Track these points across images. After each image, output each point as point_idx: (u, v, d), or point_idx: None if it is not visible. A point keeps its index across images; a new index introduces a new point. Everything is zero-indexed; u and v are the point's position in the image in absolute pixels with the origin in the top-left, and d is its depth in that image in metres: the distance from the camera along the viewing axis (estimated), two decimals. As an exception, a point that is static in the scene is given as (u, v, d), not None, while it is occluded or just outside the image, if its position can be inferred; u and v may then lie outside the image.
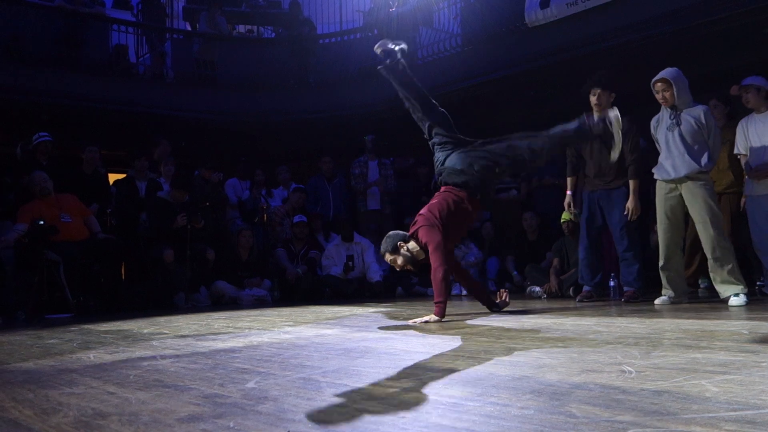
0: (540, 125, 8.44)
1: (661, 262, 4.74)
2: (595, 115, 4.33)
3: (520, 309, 4.61)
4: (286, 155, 9.76)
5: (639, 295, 5.13)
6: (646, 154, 5.30)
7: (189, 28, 11.27)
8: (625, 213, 5.12)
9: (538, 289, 6.41)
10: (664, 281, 4.75)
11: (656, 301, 4.72)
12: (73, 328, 4.07)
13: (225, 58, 10.09)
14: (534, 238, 7.24)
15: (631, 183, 5.14)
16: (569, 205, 5.49)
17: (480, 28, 8.66)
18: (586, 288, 5.45)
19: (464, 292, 7.03)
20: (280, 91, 9.96)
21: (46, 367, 2.30)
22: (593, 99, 5.19)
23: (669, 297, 4.68)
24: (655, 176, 4.77)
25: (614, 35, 7.02)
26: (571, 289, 6.08)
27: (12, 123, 7.76)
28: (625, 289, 5.22)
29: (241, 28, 11.93)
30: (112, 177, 7.94)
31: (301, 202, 8.14)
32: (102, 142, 7.66)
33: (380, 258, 7.52)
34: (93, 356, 2.56)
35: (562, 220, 6.38)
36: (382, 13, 10.07)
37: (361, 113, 9.54)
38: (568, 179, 5.56)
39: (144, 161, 7.40)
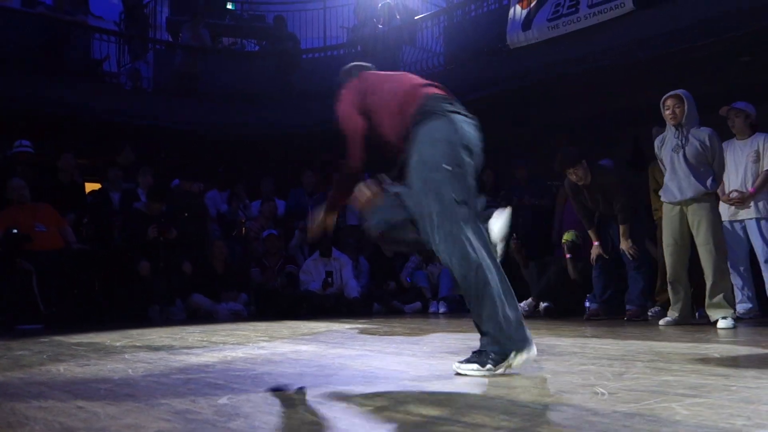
0: (521, 144, 8.56)
1: (669, 279, 4.75)
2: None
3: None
4: (269, 168, 9.73)
5: (640, 314, 5.22)
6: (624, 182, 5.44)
7: (171, 40, 11.23)
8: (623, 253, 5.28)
9: (522, 304, 6.43)
10: (673, 299, 4.75)
11: (660, 322, 4.76)
12: (43, 340, 4.00)
13: (207, 69, 10.07)
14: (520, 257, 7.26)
15: (621, 228, 5.28)
16: (599, 256, 5.55)
17: (462, 47, 8.75)
18: (593, 305, 5.57)
19: (442, 310, 7.03)
20: (263, 104, 9.95)
21: (15, 379, 2.26)
22: (573, 178, 5.41)
23: (673, 318, 4.69)
24: (662, 198, 4.79)
25: (593, 58, 7.13)
26: (542, 306, 6.11)
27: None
28: (628, 307, 5.29)
29: (226, 41, 11.92)
30: (89, 186, 7.85)
31: (272, 214, 8.09)
32: (80, 151, 7.59)
33: (358, 274, 7.56)
34: (63, 369, 2.52)
35: (563, 240, 6.41)
36: (367, 30, 10.13)
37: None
38: (590, 232, 5.65)
39: (117, 171, 7.32)
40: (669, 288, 4.78)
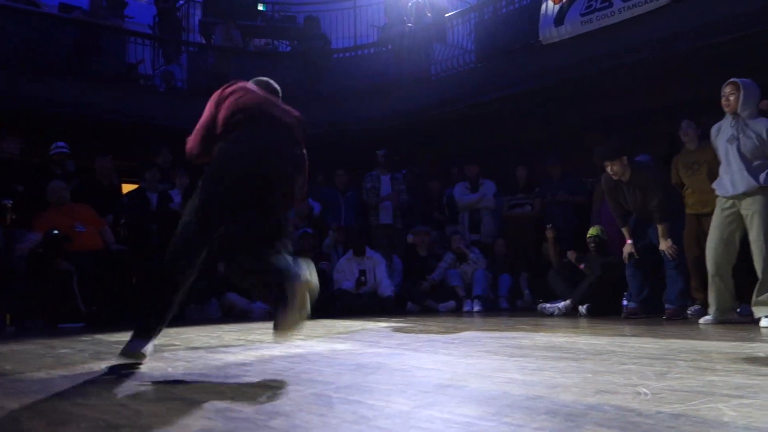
0: (554, 141, 8.46)
1: (711, 271, 4.64)
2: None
3: (533, 327, 4.57)
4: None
5: (679, 313, 5.14)
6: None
7: (204, 42, 11.37)
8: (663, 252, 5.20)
9: (548, 305, 6.36)
10: (711, 295, 4.65)
11: (700, 320, 4.67)
12: (84, 338, 4.08)
13: (239, 71, 10.15)
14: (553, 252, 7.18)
15: (659, 228, 5.20)
16: (631, 255, 5.48)
17: (493, 44, 8.69)
18: (632, 304, 5.49)
19: (476, 308, 7.00)
20: (293, 105, 9.97)
21: (59, 377, 2.31)
22: (610, 171, 5.36)
23: (714, 317, 4.60)
24: (717, 192, 4.68)
25: (627, 53, 7.02)
26: (584, 307, 6.04)
27: (31, 133, 7.82)
28: (667, 306, 5.22)
29: (259, 42, 12.01)
30: (127, 188, 7.98)
31: (305, 213, 8.14)
32: (116, 153, 7.71)
33: (391, 273, 7.55)
34: (105, 367, 2.57)
35: (588, 236, 6.35)
36: (397, 29, 10.12)
37: (373, 127, 9.57)
38: (623, 230, 5.57)
39: (155, 172, 7.44)
40: (710, 284, 4.65)
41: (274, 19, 12.02)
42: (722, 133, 4.62)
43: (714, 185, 4.71)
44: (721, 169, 4.63)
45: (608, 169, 5.36)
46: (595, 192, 7.32)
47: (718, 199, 4.67)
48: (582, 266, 6.33)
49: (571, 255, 6.55)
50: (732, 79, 4.55)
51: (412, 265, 7.75)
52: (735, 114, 4.52)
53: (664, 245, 5.17)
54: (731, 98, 4.51)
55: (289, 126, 2.89)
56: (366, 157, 8.66)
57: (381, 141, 8.81)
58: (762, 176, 4.39)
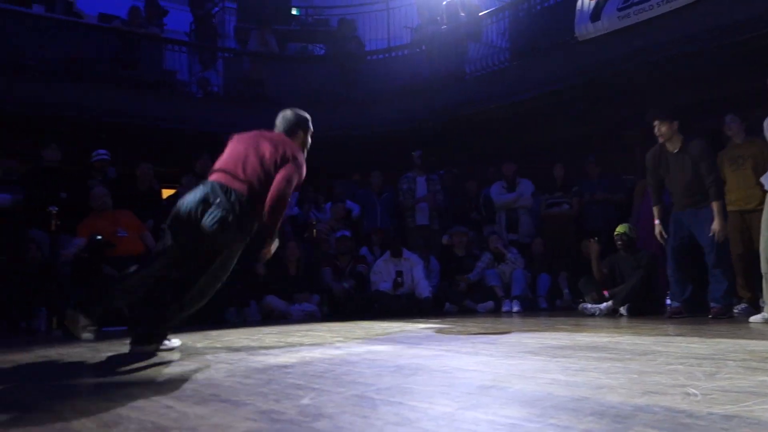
0: (592, 139, 8.34)
1: (763, 269, 4.54)
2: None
3: (573, 326, 4.51)
4: (335, 171, 9.83)
5: (725, 312, 5.01)
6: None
7: (239, 47, 11.51)
8: (711, 234, 5.03)
9: (590, 306, 6.27)
10: (766, 295, 4.56)
11: (751, 319, 4.56)
12: (128, 341, 4.15)
13: (274, 75, 10.26)
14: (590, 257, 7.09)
15: (714, 205, 5.04)
16: (660, 234, 5.40)
17: (528, 42, 8.61)
18: (675, 304, 5.36)
19: (515, 309, 6.94)
20: (329, 108, 10.06)
21: (105, 380, 2.35)
22: (656, 132, 5.26)
23: (764, 316, 4.50)
24: (765, 186, 4.61)
25: (667, 47, 6.88)
26: (624, 307, 5.94)
27: (72, 141, 8.02)
28: (712, 305, 5.09)
29: (294, 47, 12.13)
30: (166, 193, 8.12)
31: (342, 215, 8.17)
32: (156, 159, 7.85)
33: (428, 274, 7.54)
34: (149, 369, 2.61)
35: (615, 233, 6.24)
36: (430, 30, 10.10)
37: (408, 128, 9.56)
38: (655, 208, 5.49)
39: (192, 178, 7.55)
40: (765, 282, 4.54)
41: (308, 23, 12.11)
42: None
43: (762, 179, 4.61)
44: None
45: (656, 130, 5.24)
46: (635, 190, 7.20)
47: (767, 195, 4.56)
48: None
49: (592, 246, 6.45)
50: None
51: (449, 266, 7.72)
52: None
53: (718, 224, 4.98)
54: None
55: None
56: (401, 158, 8.66)
57: (416, 142, 8.80)
58: None
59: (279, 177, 3.34)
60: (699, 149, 5.12)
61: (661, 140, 5.26)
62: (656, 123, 5.23)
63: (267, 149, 3.49)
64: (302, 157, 3.54)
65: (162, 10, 10.49)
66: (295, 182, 3.41)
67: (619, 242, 6.22)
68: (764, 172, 4.69)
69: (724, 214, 5.34)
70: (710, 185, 5.04)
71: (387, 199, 8.57)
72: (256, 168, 3.41)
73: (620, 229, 6.22)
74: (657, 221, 5.42)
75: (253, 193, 3.33)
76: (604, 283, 6.25)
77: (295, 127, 3.78)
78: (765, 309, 4.55)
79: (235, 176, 3.40)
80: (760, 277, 4.68)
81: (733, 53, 6.58)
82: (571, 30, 7.77)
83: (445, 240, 7.91)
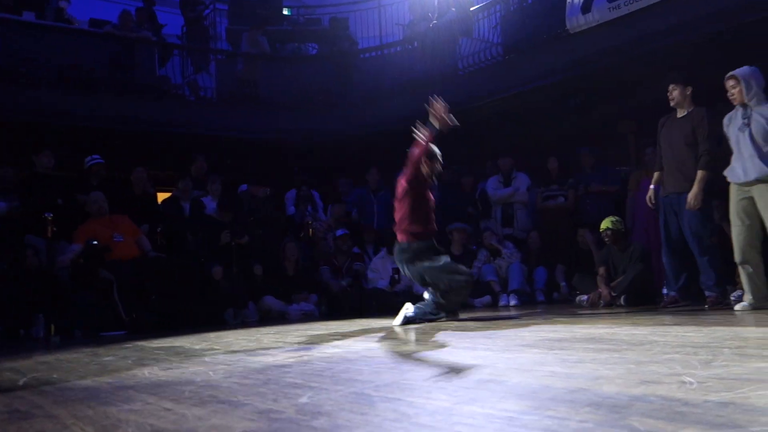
0: (586, 131, 8.36)
1: (737, 259, 4.60)
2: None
3: (571, 318, 4.52)
4: (332, 170, 9.83)
5: (721, 300, 5.02)
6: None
7: (231, 49, 11.48)
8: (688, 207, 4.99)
9: (586, 298, 6.29)
10: (744, 282, 4.61)
11: (736, 307, 4.59)
12: (127, 345, 4.16)
13: (267, 76, 10.25)
14: (586, 248, 7.11)
15: (698, 173, 4.95)
16: (650, 199, 5.38)
17: (520, 36, 8.61)
18: (671, 293, 5.35)
19: (512, 303, 6.95)
20: (323, 107, 10.06)
21: (104, 384, 2.35)
22: (669, 97, 5.23)
23: (749, 303, 4.53)
24: (729, 179, 4.65)
25: (659, 37, 6.88)
26: (622, 298, 5.95)
27: (66, 147, 8.01)
28: (707, 294, 5.10)
29: (291, 47, 12.11)
30: (162, 196, 8.12)
31: (342, 215, 8.18)
32: (151, 163, 7.85)
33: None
34: (148, 373, 2.61)
35: (601, 228, 6.23)
36: (422, 26, 10.09)
37: (403, 125, 9.54)
38: (656, 173, 5.42)
39: (188, 181, 7.55)
40: (740, 272, 4.62)
41: (300, 22, 12.09)
42: (733, 123, 4.64)
43: (726, 173, 4.67)
44: (733, 158, 4.63)
45: (669, 94, 5.22)
46: (630, 181, 7.22)
47: (732, 186, 4.65)
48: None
49: (582, 234, 6.44)
50: (730, 73, 4.58)
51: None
52: (743, 104, 4.55)
53: (694, 192, 4.90)
54: (734, 91, 4.56)
55: None
56: (398, 156, 8.65)
57: (412, 139, 8.78)
58: None
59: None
60: (700, 114, 5.08)
61: (672, 104, 5.21)
62: (670, 87, 5.20)
63: None
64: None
65: (152, 12, 10.47)
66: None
67: (606, 238, 6.22)
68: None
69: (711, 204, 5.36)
70: (702, 153, 4.97)
71: (383, 197, 8.57)
72: None
73: (604, 224, 6.20)
74: (652, 186, 5.38)
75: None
76: (604, 279, 6.23)
77: None
78: (745, 297, 4.60)
79: None
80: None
81: (727, 40, 6.58)
82: (563, 23, 7.77)
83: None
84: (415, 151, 4.67)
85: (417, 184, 4.80)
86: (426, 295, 4.92)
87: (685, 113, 5.18)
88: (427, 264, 4.72)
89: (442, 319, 4.73)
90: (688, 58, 7.05)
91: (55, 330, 5.54)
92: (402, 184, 4.85)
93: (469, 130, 9.51)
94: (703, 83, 5.28)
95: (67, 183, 7.09)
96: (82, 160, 7.19)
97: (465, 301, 4.87)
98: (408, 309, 4.72)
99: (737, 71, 4.58)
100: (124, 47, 9.35)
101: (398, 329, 4.38)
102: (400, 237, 4.85)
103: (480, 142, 9.68)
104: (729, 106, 4.76)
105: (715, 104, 5.73)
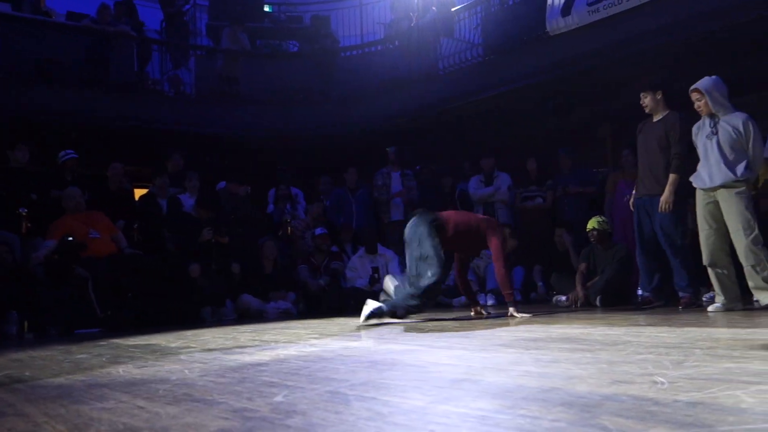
0: (565, 133, 8.43)
1: (705, 261, 4.69)
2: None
3: (547, 319, 4.56)
4: (311, 168, 9.82)
5: (694, 301, 5.11)
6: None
7: (212, 45, 11.41)
8: (661, 209, 5.08)
9: (563, 298, 6.34)
10: (714, 284, 4.69)
11: (709, 309, 4.66)
12: (102, 343, 4.11)
13: (248, 73, 10.20)
14: (564, 249, 7.17)
15: (669, 176, 5.07)
16: (631, 204, 5.47)
17: (501, 37, 8.66)
18: (646, 294, 5.43)
19: (490, 302, 6.99)
20: (303, 105, 10.03)
21: (77, 382, 2.33)
22: (642, 103, 5.34)
23: (722, 304, 4.61)
24: (694, 184, 4.75)
25: (638, 41, 6.97)
26: (597, 298, 6.01)
27: (41, 142, 7.90)
28: (680, 294, 5.18)
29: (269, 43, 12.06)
30: (139, 192, 8.05)
31: (321, 213, 8.17)
32: (128, 159, 7.77)
33: (404, 270, 7.54)
34: (122, 371, 2.59)
35: (588, 228, 6.31)
36: (404, 25, 10.11)
37: (384, 125, 9.57)
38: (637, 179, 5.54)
39: (165, 178, 7.49)
40: (710, 273, 4.70)
41: (281, 19, 12.05)
42: (702, 131, 4.74)
43: (691, 179, 4.77)
44: (700, 164, 4.73)
45: (641, 101, 5.33)
46: (607, 183, 7.29)
47: (698, 192, 4.74)
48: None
49: (559, 234, 6.49)
50: (693, 86, 4.69)
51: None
52: (711, 114, 4.66)
53: (666, 195, 5.02)
54: (700, 104, 4.67)
55: None
56: (377, 154, 8.67)
57: (392, 138, 8.81)
58: (739, 169, 4.49)
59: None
60: (672, 119, 5.20)
61: (647, 111, 5.33)
62: (641, 95, 5.32)
63: None
64: None
65: (132, 6, 10.36)
66: None
67: (592, 238, 6.29)
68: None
69: (685, 205, 5.44)
70: (673, 157, 5.09)
71: (362, 195, 8.57)
72: None
73: (591, 224, 6.27)
74: (634, 192, 5.48)
75: None
76: (582, 277, 6.29)
77: None
78: (717, 299, 4.69)
79: None
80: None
81: (699, 46, 6.69)
82: (543, 25, 7.83)
83: None
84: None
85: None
86: (390, 288, 4.91)
87: (660, 118, 5.27)
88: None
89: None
90: (666, 62, 7.15)
91: (29, 327, 5.48)
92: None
93: (448, 130, 9.59)
94: (682, 87, 5.35)
95: (42, 178, 6.99)
96: (56, 156, 7.10)
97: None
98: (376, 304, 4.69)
99: (699, 84, 4.68)
100: (101, 41, 9.25)
101: (371, 325, 4.40)
102: None
103: (459, 143, 9.73)
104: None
105: (692, 108, 5.83)
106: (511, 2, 8.96)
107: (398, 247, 7.76)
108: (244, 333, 4.44)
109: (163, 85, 10.22)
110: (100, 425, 1.54)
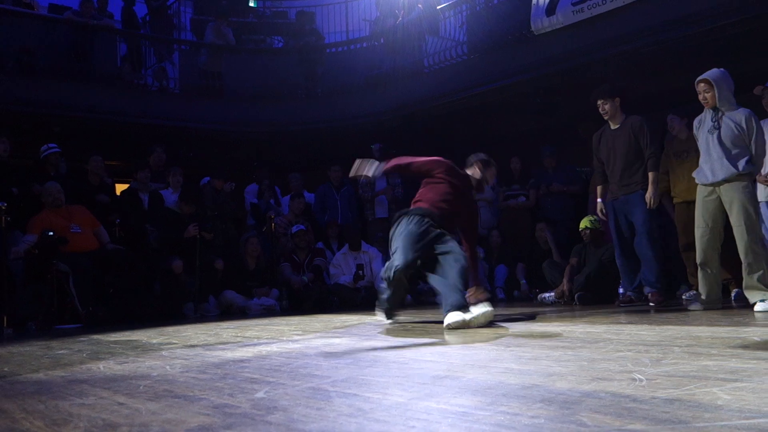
0: (548, 131, 8.47)
1: (698, 260, 4.70)
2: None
3: (529, 316, 4.59)
4: (295, 165, 9.79)
5: (665, 299, 5.15)
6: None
7: (196, 40, 11.33)
8: (647, 206, 5.15)
9: (547, 296, 6.38)
10: (700, 283, 4.71)
11: (690, 307, 4.71)
12: (82, 339, 4.08)
13: (232, 68, 10.15)
14: (547, 248, 7.21)
15: (650, 175, 5.17)
16: (602, 211, 5.54)
17: (486, 36, 8.68)
18: (628, 292, 5.47)
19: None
20: (288, 101, 10.00)
21: (57, 378, 2.31)
22: (601, 111, 5.41)
23: (703, 304, 4.65)
24: (696, 180, 4.74)
25: (621, 41, 7.02)
26: (576, 296, 6.06)
27: (22, 135, 7.81)
28: (647, 290, 5.23)
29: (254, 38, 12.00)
30: (120, 188, 7.98)
31: (301, 209, 8.15)
32: (111, 154, 7.70)
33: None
34: (103, 367, 2.57)
35: (581, 228, 6.36)
36: (389, 23, 10.10)
37: (368, 122, 9.56)
38: (598, 188, 5.63)
39: (146, 173, 7.43)
40: (699, 271, 4.72)
41: (266, 15, 12.01)
42: (703, 126, 4.71)
43: (694, 174, 4.77)
44: (701, 159, 4.70)
45: (600, 108, 5.40)
46: (591, 182, 7.34)
47: (699, 188, 4.73)
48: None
49: (540, 228, 6.55)
50: (703, 76, 4.62)
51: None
52: (714, 108, 4.61)
53: (650, 193, 5.12)
54: (707, 95, 4.60)
55: None
56: (362, 152, 8.65)
57: (376, 135, 8.81)
58: (741, 163, 4.47)
59: None
60: (639, 123, 5.28)
61: (605, 118, 5.41)
62: (599, 102, 5.39)
63: None
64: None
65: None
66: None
67: (585, 237, 6.35)
68: None
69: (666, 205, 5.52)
70: (649, 156, 5.19)
71: (346, 193, 8.56)
72: None
73: (583, 223, 6.34)
74: (599, 200, 5.57)
75: None
76: (571, 271, 6.35)
77: None
78: (698, 298, 4.74)
79: None
80: None
81: (682, 47, 6.75)
82: (528, 24, 7.86)
83: None
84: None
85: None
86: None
87: (619, 124, 5.35)
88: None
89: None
90: (648, 63, 7.21)
91: (8, 322, 5.42)
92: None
93: (432, 127, 9.60)
94: (662, 87, 5.43)
95: (23, 172, 6.92)
96: (37, 149, 7.03)
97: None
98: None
99: (709, 74, 4.59)
100: (84, 34, 9.15)
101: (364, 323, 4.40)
102: None
103: (444, 140, 9.74)
104: (699, 108, 4.84)
105: (681, 106, 5.90)
106: (496, 1, 8.98)
107: (382, 244, 7.78)
108: (226, 329, 4.42)
109: (146, 79, 10.13)
110: (79, 421, 1.53)
